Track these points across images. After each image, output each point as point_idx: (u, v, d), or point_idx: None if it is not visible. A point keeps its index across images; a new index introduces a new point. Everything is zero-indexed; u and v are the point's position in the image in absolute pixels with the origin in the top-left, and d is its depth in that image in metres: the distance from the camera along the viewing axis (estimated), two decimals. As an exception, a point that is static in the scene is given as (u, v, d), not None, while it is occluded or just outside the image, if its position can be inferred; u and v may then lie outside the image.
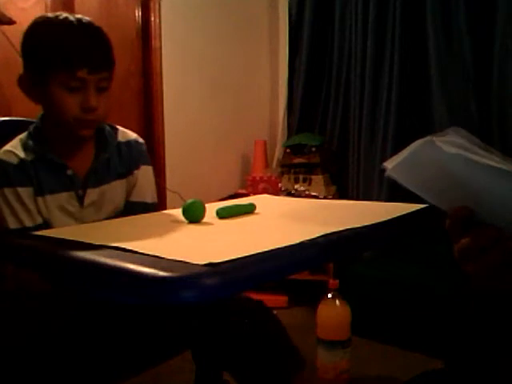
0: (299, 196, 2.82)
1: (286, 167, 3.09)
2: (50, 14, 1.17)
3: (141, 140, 1.32)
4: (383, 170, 0.64)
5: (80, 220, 1.20)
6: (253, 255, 0.68)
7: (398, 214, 0.97)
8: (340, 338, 1.89)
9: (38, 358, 1.03)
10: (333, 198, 2.77)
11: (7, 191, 1.13)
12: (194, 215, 0.98)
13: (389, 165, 0.63)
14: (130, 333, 1.17)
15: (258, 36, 3.45)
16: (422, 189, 0.66)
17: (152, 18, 2.83)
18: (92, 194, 1.21)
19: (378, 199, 2.77)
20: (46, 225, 1.15)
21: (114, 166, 1.25)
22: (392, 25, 2.79)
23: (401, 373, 2.02)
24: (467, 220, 0.63)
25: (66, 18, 1.13)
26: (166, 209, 1.35)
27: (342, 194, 3.04)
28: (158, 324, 1.18)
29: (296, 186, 2.95)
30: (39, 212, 1.16)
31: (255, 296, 1.25)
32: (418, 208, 1.00)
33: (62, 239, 0.86)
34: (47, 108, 1.17)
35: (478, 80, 2.54)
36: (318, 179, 2.97)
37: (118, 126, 1.30)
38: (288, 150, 3.09)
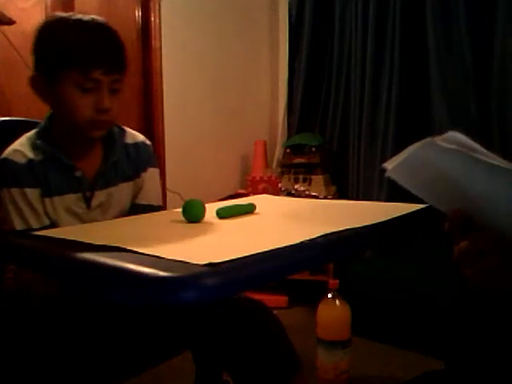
0: (299, 196, 2.82)
1: (286, 167, 3.09)
2: (63, 14, 1.15)
3: (148, 142, 1.30)
4: (383, 170, 0.64)
5: (86, 222, 1.18)
6: (253, 255, 0.68)
7: (398, 214, 0.97)
8: (340, 338, 1.89)
9: (39, 358, 1.03)
10: (333, 198, 2.77)
11: (15, 192, 1.11)
12: (193, 215, 0.98)
13: (389, 165, 0.63)
14: (131, 333, 1.17)
15: (258, 36, 3.46)
16: (422, 190, 0.66)
17: (152, 18, 2.83)
18: (99, 196, 1.20)
19: (377, 199, 2.77)
20: (53, 226, 1.13)
21: (121, 168, 1.24)
22: (392, 25, 2.79)
23: (401, 373, 2.02)
24: (466, 223, 0.63)
25: (81, 18, 1.12)
26: (165, 209, 1.35)
27: (341, 194, 3.04)
28: (158, 324, 1.18)
29: (296, 186, 2.95)
30: (46, 213, 1.14)
31: (255, 296, 1.25)
32: (418, 208, 1.00)
33: (62, 239, 0.86)
34: (59, 108, 1.15)
35: (478, 80, 2.54)
36: (317, 179, 2.97)
37: (125, 128, 1.28)
38: (288, 150, 3.09)
